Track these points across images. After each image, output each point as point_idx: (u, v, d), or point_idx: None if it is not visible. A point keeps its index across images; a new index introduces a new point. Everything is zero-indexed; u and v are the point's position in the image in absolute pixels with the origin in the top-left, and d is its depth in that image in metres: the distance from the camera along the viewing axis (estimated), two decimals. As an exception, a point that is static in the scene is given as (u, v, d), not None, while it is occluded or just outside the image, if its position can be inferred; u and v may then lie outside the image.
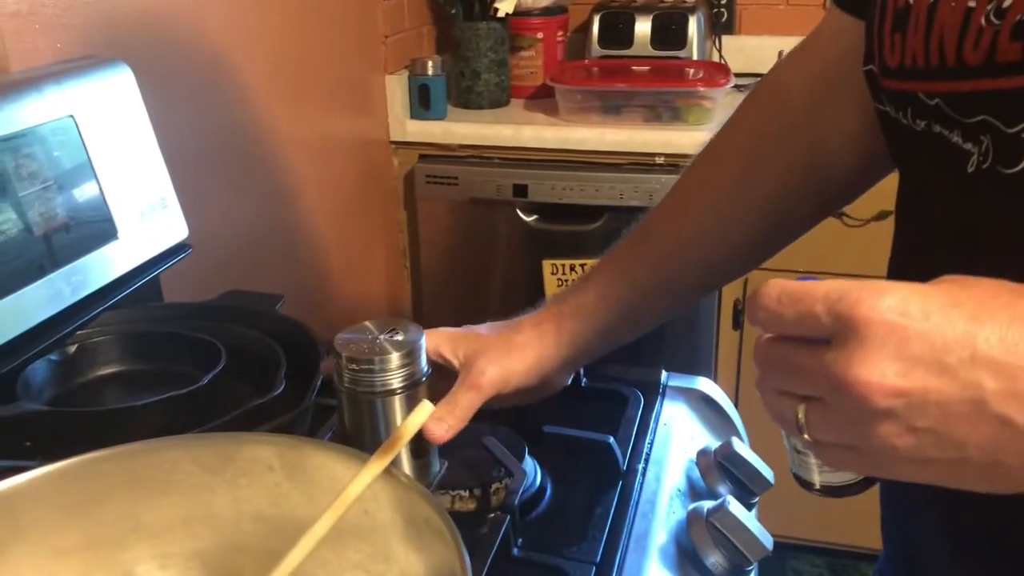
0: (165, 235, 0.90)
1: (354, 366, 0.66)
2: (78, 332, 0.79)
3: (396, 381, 0.66)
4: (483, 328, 0.73)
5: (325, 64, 1.58)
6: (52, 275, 0.76)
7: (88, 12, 0.99)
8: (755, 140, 0.72)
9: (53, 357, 0.76)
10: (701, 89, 1.72)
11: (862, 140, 0.65)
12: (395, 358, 0.66)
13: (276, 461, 0.46)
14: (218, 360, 0.75)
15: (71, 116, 0.81)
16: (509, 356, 0.69)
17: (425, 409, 0.45)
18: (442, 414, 0.64)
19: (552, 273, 1.72)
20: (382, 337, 0.67)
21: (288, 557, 0.42)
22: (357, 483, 0.42)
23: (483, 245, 1.83)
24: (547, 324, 0.73)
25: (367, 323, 0.68)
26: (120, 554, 0.47)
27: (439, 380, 0.67)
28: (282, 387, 0.71)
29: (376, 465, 0.43)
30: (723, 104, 1.71)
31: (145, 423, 0.69)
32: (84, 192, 0.81)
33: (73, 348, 0.78)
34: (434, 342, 0.70)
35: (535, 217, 1.76)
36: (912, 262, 0.56)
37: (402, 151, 1.85)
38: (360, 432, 0.68)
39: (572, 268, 1.70)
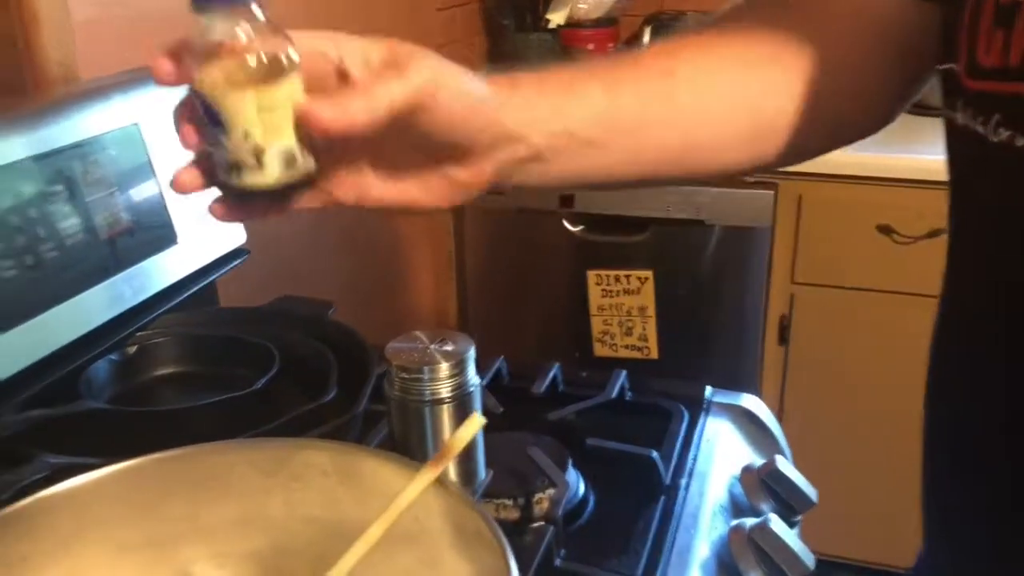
0: (222, 240, 0.92)
1: (404, 374, 0.67)
2: (138, 333, 0.82)
3: (445, 390, 0.68)
4: None
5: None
6: (115, 278, 0.79)
7: (156, 20, 1.02)
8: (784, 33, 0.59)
9: (114, 357, 0.79)
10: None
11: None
12: (444, 368, 0.67)
13: (330, 466, 0.48)
14: (272, 364, 0.77)
15: (136, 124, 0.84)
16: (453, 69, 0.48)
17: (476, 421, 0.46)
18: (341, 97, 0.43)
19: (597, 283, 1.72)
20: (432, 347, 0.68)
21: (342, 560, 0.43)
22: (409, 491, 0.43)
23: (529, 254, 1.84)
24: (502, 79, 0.52)
25: (418, 332, 0.70)
26: (179, 552, 0.49)
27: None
28: (334, 393, 0.73)
29: (428, 474, 0.44)
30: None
31: (201, 424, 0.71)
32: (147, 198, 0.84)
33: (133, 349, 0.81)
34: (336, 39, 0.47)
35: (581, 227, 1.76)
36: (974, 308, 0.53)
37: (451, 160, 1.87)
38: (408, 439, 0.69)
39: (617, 279, 1.70)
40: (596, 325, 1.76)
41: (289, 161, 0.44)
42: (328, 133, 0.43)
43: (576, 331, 1.80)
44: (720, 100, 0.57)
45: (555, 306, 1.86)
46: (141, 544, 0.48)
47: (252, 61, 0.41)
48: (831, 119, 0.59)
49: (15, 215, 0.72)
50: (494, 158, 0.51)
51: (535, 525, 0.69)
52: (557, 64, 0.55)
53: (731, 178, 1.64)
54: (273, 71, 0.42)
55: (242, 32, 0.42)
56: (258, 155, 0.43)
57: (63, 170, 0.77)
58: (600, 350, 1.78)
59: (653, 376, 0.91)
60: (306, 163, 0.44)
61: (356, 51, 0.47)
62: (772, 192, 1.64)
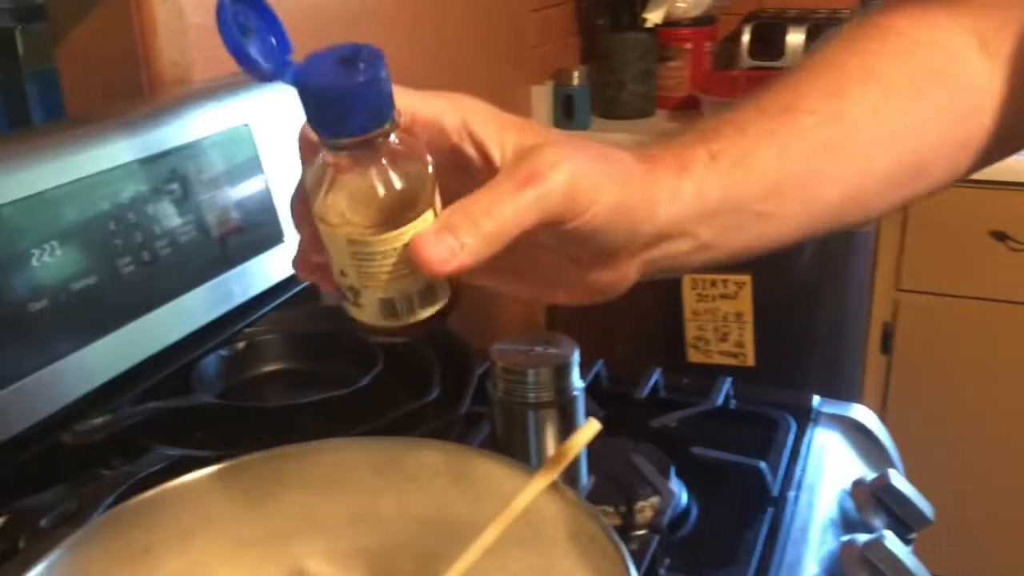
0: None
1: (509, 376, 0.67)
2: (246, 330, 0.83)
3: (549, 394, 0.67)
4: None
5: (476, 74, 1.61)
6: (225, 275, 0.81)
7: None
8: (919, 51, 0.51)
9: (223, 353, 0.81)
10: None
11: None
12: (549, 371, 0.67)
13: (443, 467, 0.47)
14: (375, 362, 0.78)
15: (247, 124, 0.85)
16: (598, 161, 0.39)
17: (593, 426, 0.45)
18: (457, 221, 0.35)
19: (692, 288, 1.69)
20: (537, 349, 0.68)
21: (455, 565, 0.43)
22: (525, 495, 0.43)
23: (622, 257, 1.82)
24: (667, 159, 0.42)
25: (522, 334, 0.69)
26: (292, 547, 0.49)
27: (455, 181, 0.38)
28: (436, 393, 0.73)
29: (543, 479, 0.43)
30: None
31: (307, 420, 0.72)
32: (256, 197, 0.85)
33: (241, 345, 0.82)
34: (460, 112, 0.39)
35: (676, 230, 1.74)
36: None
37: (544, 161, 1.86)
38: (511, 441, 0.69)
39: (713, 283, 1.67)
40: (690, 330, 1.73)
41: (389, 311, 0.37)
42: (438, 276, 0.36)
43: (669, 336, 1.77)
44: (892, 137, 0.48)
45: (647, 310, 1.83)
46: (257, 538, 0.48)
47: (351, 208, 0.35)
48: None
49: (132, 212, 0.74)
50: (649, 257, 0.42)
51: (637, 533, 0.68)
52: (717, 116, 0.46)
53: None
54: (376, 223, 0.35)
55: (352, 167, 0.35)
56: (354, 295, 0.37)
57: (177, 169, 0.79)
58: (694, 356, 1.74)
59: (751, 384, 0.89)
60: (414, 313, 0.37)
61: (483, 130, 0.38)
62: (877, 195, 1.58)
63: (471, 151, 0.38)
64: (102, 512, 0.54)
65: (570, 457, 0.43)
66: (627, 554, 0.40)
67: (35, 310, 0.65)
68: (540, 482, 0.43)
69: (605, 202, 0.37)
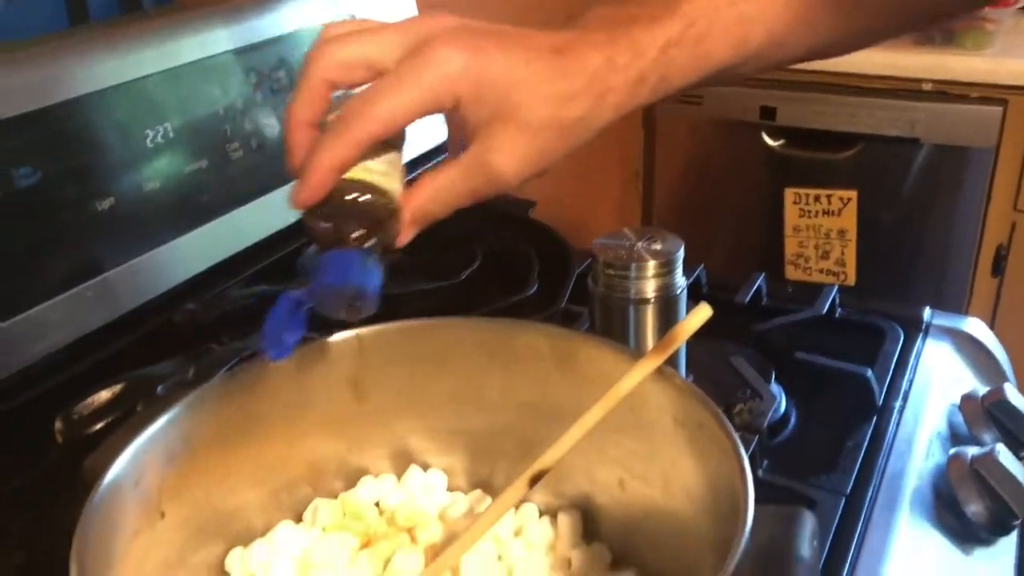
0: (424, 138, 0.93)
1: (610, 271, 0.65)
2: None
3: (651, 290, 0.66)
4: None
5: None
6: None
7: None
8: None
9: (326, 242, 0.82)
10: (984, 8, 1.55)
11: None
12: (651, 266, 0.65)
13: (548, 351, 0.47)
14: (474, 258, 0.78)
15: (352, 16, 0.85)
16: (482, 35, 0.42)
17: (703, 311, 0.44)
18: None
19: (794, 202, 1.64)
20: (640, 244, 0.66)
21: (555, 445, 0.43)
22: (629, 379, 0.42)
23: (723, 169, 1.77)
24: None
25: (626, 229, 0.67)
26: (395, 423, 0.50)
27: None
28: (535, 287, 0.73)
29: (651, 362, 0.43)
30: (1007, 28, 1.54)
31: (406, 311, 0.73)
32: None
33: (343, 235, 0.83)
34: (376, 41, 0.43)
35: (782, 142, 1.68)
36: None
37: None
38: (611, 337, 0.68)
39: (817, 199, 1.61)
40: (790, 246, 1.68)
41: None
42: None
43: (767, 252, 1.73)
44: None
45: (746, 225, 1.79)
46: (361, 414, 0.49)
47: None
48: None
49: (240, 99, 0.74)
50: None
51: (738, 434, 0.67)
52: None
53: (953, 94, 1.51)
54: None
55: None
56: None
57: (284, 57, 0.79)
58: (792, 273, 1.70)
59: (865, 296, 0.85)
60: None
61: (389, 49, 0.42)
62: (1001, 108, 1.49)
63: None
64: (215, 383, 0.55)
65: (679, 342, 0.43)
66: (739, 441, 0.39)
67: (149, 190, 0.67)
68: (647, 366, 0.42)
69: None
